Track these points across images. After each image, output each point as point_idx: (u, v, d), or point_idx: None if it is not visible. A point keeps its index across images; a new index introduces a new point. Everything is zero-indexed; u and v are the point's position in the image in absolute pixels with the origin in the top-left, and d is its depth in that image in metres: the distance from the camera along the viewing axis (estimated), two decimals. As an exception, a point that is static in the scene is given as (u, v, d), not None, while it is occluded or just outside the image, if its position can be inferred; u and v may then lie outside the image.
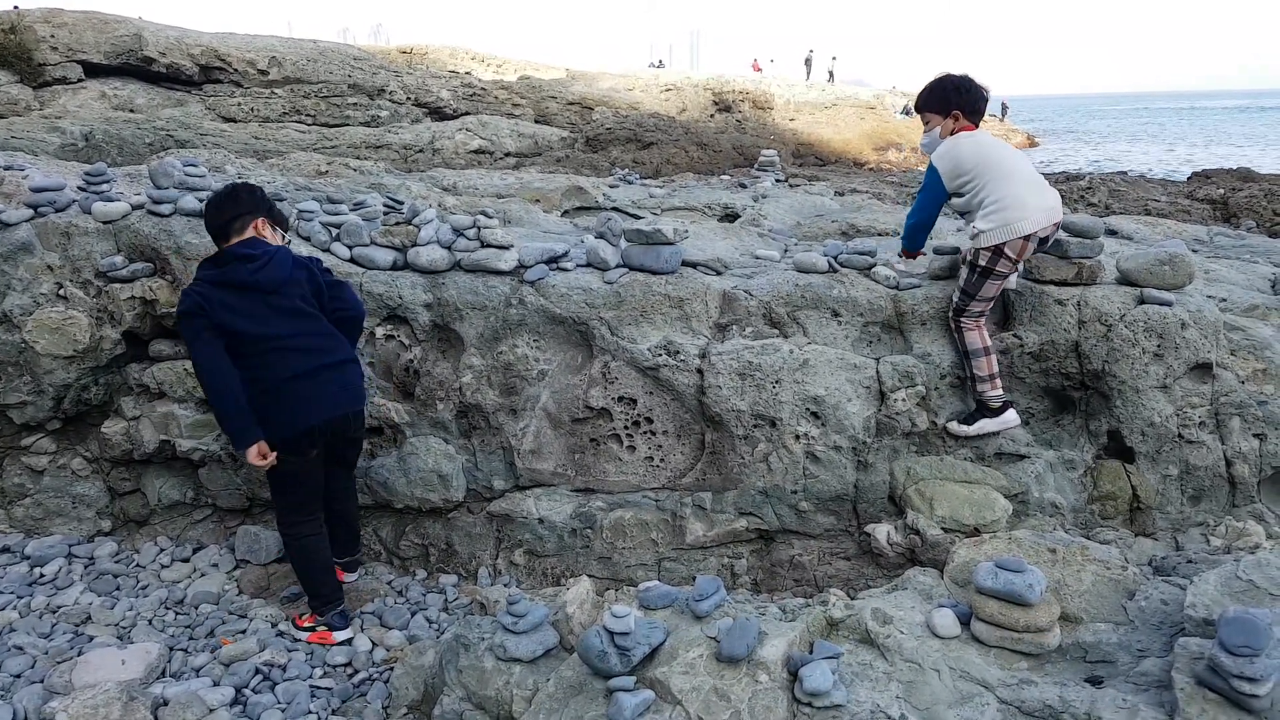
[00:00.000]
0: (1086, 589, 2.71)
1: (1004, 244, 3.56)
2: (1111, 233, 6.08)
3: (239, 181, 4.09)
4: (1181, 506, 3.79)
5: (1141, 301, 3.80)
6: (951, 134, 3.78)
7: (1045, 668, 2.44)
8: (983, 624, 2.51)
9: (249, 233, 3.41)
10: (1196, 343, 3.74)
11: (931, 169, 3.80)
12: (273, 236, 3.50)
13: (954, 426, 3.83)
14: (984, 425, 3.77)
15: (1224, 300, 4.37)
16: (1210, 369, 3.78)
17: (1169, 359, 3.74)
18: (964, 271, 3.74)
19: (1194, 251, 5.51)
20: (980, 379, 3.74)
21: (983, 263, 3.63)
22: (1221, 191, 13.72)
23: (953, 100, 3.78)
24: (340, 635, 3.53)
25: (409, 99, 20.89)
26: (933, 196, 3.86)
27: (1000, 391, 3.74)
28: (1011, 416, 3.76)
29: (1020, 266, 3.72)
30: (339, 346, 3.49)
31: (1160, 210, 11.54)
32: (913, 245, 4.14)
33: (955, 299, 3.78)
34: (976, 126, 3.81)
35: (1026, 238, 3.56)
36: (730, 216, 6.62)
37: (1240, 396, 3.78)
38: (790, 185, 9.37)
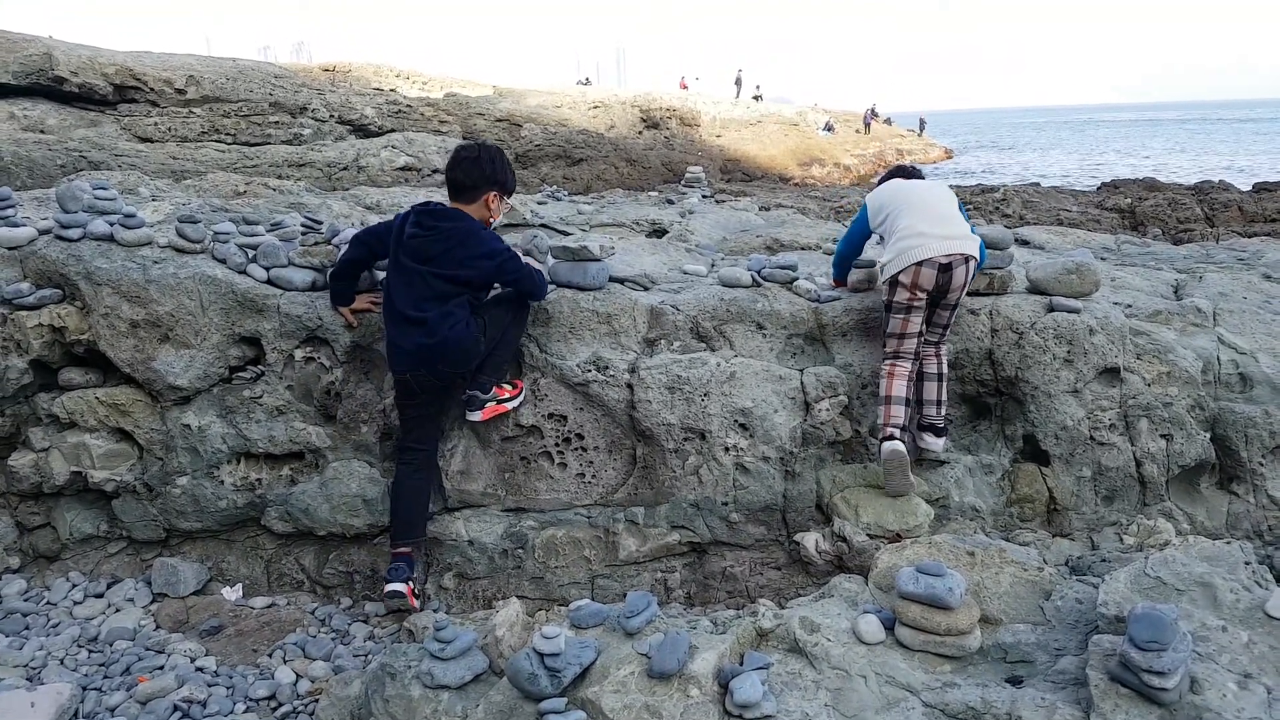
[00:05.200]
0: (1005, 590, 2.77)
1: (899, 273, 3.60)
2: (1024, 243, 6.28)
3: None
4: (1096, 507, 3.92)
5: (1051, 309, 3.94)
6: None
7: (967, 670, 2.49)
8: (906, 628, 2.55)
9: None
10: (1104, 348, 3.88)
11: (863, 206, 3.99)
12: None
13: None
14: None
15: (1130, 306, 4.53)
16: (1118, 373, 3.93)
17: (1079, 364, 3.87)
18: None
19: (1102, 259, 5.72)
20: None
21: (885, 297, 3.73)
22: (1129, 201, 14.26)
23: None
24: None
25: (332, 116, 20.54)
26: (857, 229, 4.05)
27: (889, 429, 3.66)
28: (885, 448, 3.64)
29: (921, 297, 3.62)
30: None
31: (1071, 220, 11.95)
32: (838, 274, 4.30)
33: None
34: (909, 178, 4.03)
35: (920, 264, 3.55)
36: (658, 232, 6.65)
37: (1147, 399, 3.93)
38: (717, 201, 9.47)
